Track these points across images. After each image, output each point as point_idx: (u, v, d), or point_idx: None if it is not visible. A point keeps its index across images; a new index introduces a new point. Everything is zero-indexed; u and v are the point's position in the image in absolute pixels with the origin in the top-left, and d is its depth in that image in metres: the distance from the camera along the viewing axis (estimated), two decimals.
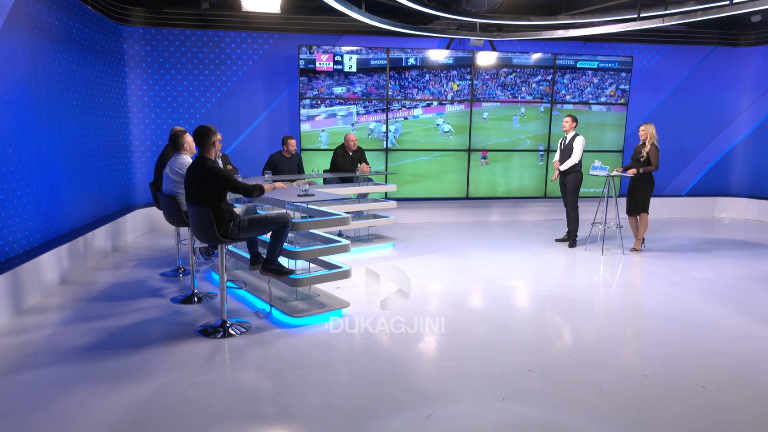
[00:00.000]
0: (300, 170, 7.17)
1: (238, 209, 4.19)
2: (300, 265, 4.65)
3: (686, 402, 3.03)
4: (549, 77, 8.66)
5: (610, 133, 9.02)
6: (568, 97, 8.80)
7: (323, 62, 7.95)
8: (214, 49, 8.07)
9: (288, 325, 4.14)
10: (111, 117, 7.21)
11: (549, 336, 4.05)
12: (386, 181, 7.54)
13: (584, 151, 6.78)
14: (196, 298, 4.72)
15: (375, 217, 6.94)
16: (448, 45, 8.58)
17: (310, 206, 4.72)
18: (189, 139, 4.78)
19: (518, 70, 8.57)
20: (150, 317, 4.33)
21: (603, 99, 8.86)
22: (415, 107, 8.41)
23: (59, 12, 5.71)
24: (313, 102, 8.05)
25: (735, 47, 9.48)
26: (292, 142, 6.97)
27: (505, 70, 8.52)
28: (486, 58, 8.39)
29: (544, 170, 8.94)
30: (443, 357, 3.67)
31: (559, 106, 8.79)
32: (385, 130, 8.36)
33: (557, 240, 7.31)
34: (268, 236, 4.22)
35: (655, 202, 9.28)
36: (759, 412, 2.94)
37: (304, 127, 8.13)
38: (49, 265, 4.92)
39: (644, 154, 6.38)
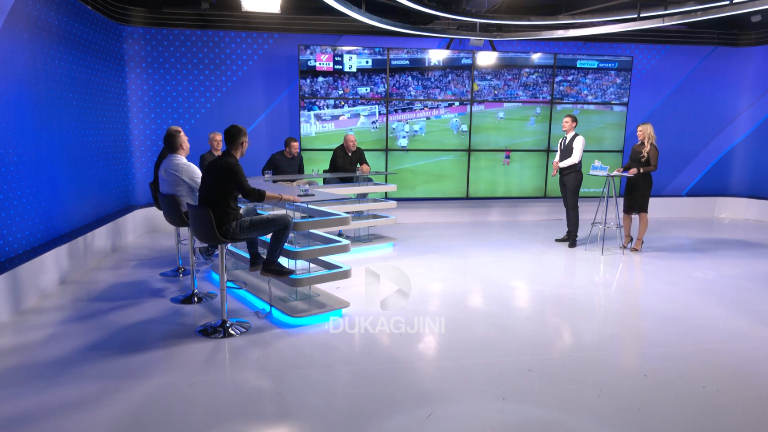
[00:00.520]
0: (301, 171, 7.17)
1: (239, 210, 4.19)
2: (300, 265, 4.65)
3: (686, 402, 3.03)
4: (570, 77, 8.69)
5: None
6: (590, 98, 8.84)
7: (338, 62, 7.98)
8: (214, 49, 8.07)
9: (288, 325, 4.14)
10: (111, 117, 7.21)
11: (549, 336, 4.05)
12: (386, 181, 7.54)
13: (584, 151, 6.78)
14: (196, 298, 4.72)
15: (375, 217, 6.94)
16: (448, 45, 8.58)
17: (310, 206, 4.72)
18: (184, 139, 4.76)
19: (540, 69, 8.60)
20: (150, 317, 4.33)
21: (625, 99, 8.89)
22: (437, 107, 8.43)
23: (59, 12, 5.71)
24: (335, 103, 8.05)
25: (735, 47, 9.48)
26: (295, 144, 6.97)
27: (527, 70, 8.55)
28: (487, 58, 8.39)
29: (544, 170, 8.94)
30: (443, 357, 3.67)
31: (580, 106, 8.84)
32: (407, 129, 8.42)
33: (557, 240, 7.31)
34: (267, 237, 4.22)
35: (655, 202, 9.31)
36: (759, 412, 2.94)
37: (329, 126, 8.17)
38: (49, 265, 4.92)
39: (644, 154, 6.38)
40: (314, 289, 4.64)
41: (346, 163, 7.13)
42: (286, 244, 4.15)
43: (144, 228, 7.75)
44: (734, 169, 9.88)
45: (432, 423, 2.79)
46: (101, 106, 6.86)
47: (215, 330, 3.97)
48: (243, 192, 3.88)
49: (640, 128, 6.49)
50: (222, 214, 3.80)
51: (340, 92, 8.12)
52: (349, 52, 8.05)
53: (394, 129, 8.39)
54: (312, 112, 8.13)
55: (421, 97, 8.36)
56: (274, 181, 6.04)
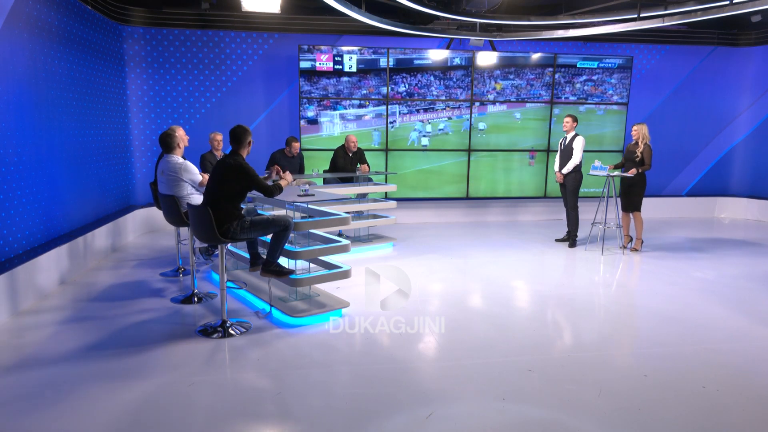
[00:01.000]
0: (302, 170, 7.17)
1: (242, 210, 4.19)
2: (300, 265, 4.65)
3: (686, 402, 3.03)
4: (595, 77, 8.71)
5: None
6: (615, 98, 8.86)
7: (338, 62, 8.00)
8: (214, 49, 8.07)
9: (288, 325, 4.14)
10: (111, 117, 7.21)
11: (549, 336, 4.05)
12: (386, 181, 7.55)
13: (584, 151, 6.79)
14: (196, 298, 4.72)
15: (375, 217, 6.94)
16: (448, 45, 8.58)
17: (310, 206, 4.72)
18: (181, 135, 4.73)
19: (562, 69, 8.63)
20: (150, 317, 4.33)
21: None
22: (458, 107, 8.46)
23: (59, 12, 5.71)
24: (360, 103, 8.06)
25: (735, 47, 9.48)
26: (296, 145, 6.98)
27: (550, 69, 8.58)
28: (487, 58, 8.39)
29: (544, 170, 8.94)
30: (443, 357, 3.67)
31: (604, 107, 8.86)
32: (426, 129, 8.45)
33: (557, 240, 7.31)
34: (267, 237, 4.22)
35: (655, 202, 9.33)
36: (759, 412, 2.94)
37: (351, 126, 8.22)
38: (49, 265, 4.92)
39: (639, 153, 6.42)
40: (314, 289, 4.64)
41: (346, 163, 7.13)
42: (286, 244, 4.15)
43: (144, 228, 7.75)
44: (734, 169, 9.88)
45: (432, 423, 2.79)
46: (101, 106, 6.86)
47: (215, 330, 3.97)
48: (261, 189, 3.90)
49: (635, 128, 6.53)
50: (224, 213, 3.81)
51: (364, 92, 8.17)
52: (375, 53, 8.09)
53: (415, 129, 8.42)
54: (337, 112, 8.18)
55: (443, 97, 8.38)
56: (274, 181, 6.03)
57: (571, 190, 6.88)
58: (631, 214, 6.75)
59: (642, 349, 3.86)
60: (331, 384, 3.24)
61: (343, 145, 7.20)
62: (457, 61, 8.35)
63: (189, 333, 3.99)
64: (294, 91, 8.31)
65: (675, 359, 3.60)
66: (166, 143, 4.73)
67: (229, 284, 4.43)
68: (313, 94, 8.04)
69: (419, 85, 8.30)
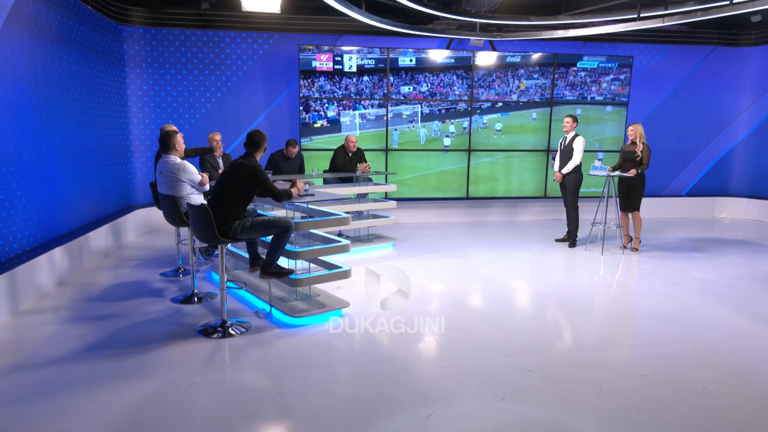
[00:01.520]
0: (301, 170, 7.17)
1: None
2: (300, 265, 4.65)
3: (686, 402, 3.03)
4: (622, 76, 8.74)
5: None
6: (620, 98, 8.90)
7: (338, 62, 8.00)
8: (214, 49, 8.07)
9: (288, 325, 4.14)
10: (111, 117, 7.21)
11: (549, 336, 4.05)
12: (386, 181, 7.55)
13: (584, 151, 6.79)
14: (196, 298, 4.72)
15: (375, 217, 6.94)
16: (448, 45, 8.58)
17: (310, 206, 4.72)
18: (179, 140, 4.71)
19: (589, 68, 8.65)
20: (150, 317, 4.33)
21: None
22: (479, 108, 8.50)
23: (59, 12, 5.71)
24: (380, 102, 8.07)
25: (735, 47, 9.48)
26: (294, 150, 6.97)
27: (574, 69, 8.61)
28: (486, 58, 8.39)
29: (544, 170, 8.94)
30: (443, 357, 3.67)
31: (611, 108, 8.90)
32: (450, 129, 8.50)
33: (557, 240, 7.31)
34: (267, 237, 4.22)
35: (655, 202, 9.33)
36: (759, 412, 2.94)
37: (372, 126, 8.26)
38: (49, 265, 4.92)
39: (639, 153, 6.43)
40: (314, 289, 4.64)
41: (346, 163, 7.14)
42: (286, 244, 4.14)
43: (144, 228, 7.75)
44: (734, 169, 9.88)
45: (432, 423, 2.79)
46: (101, 106, 6.86)
47: (215, 330, 3.97)
48: (271, 192, 3.94)
49: (631, 128, 6.55)
50: (226, 213, 3.82)
51: (385, 91, 8.20)
52: (416, 52, 8.13)
53: (436, 131, 8.46)
54: (357, 112, 8.21)
55: (465, 97, 8.39)
56: (274, 181, 6.03)
57: (571, 190, 6.88)
58: (630, 214, 6.76)
59: (642, 349, 3.86)
60: (331, 384, 3.24)
61: (343, 145, 7.20)
62: (478, 60, 8.36)
63: (189, 333, 3.99)
64: (294, 91, 8.31)
65: (675, 359, 3.60)
66: (164, 142, 4.72)
67: (229, 284, 4.43)
68: (336, 94, 8.08)
69: (441, 85, 8.31)
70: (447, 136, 8.54)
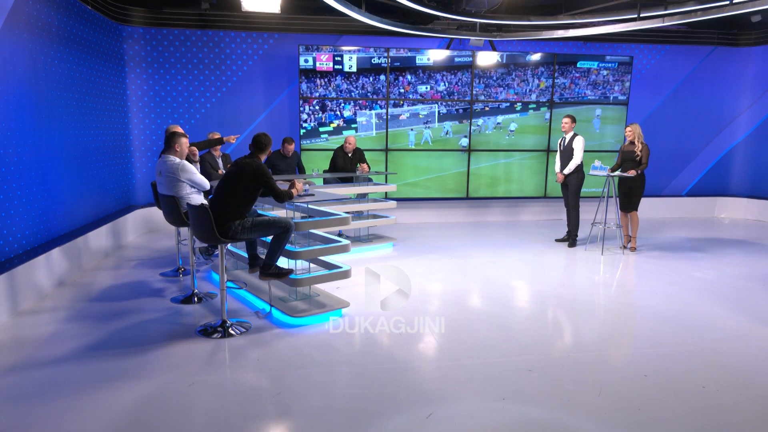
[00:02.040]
0: (300, 169, 7.17)
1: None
2: (300, 265, 4.65)
3: (686, 402, 3.03)
4: (611, 78, 8.79)
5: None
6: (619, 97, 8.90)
7: (336, 62, 7.99)
8: (214, 49, 8.07)
9: (288, 325, 4.13)
10: (111, 117, 7.21)
11: (549, 336, 4.05)
12: (386, 181, 7.54)
13: (584, 150, 6.80)
14: (196, 298, 4.72)
15: (375, 217, 6.94)
16: (448, 45, 8.58)
17: (310, 206, 4.72)
18: (183, 143, 4.70)
19: (612, 65, 8.69)
20: (150, 317, 4.33)
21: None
22: (486, 108, 8.51)
23: (59, 12, 5.71)
24: (394, 102, 8.07)
25: (735, 47, 9.48)
26: (290, 147, 6.96)
27: (596, 67, 8.63)
28: (487, 58, 8.39)
29: (544, 170, 8.94)
30: (443, 357, 3.67)
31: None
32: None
33: (557, 240, 7.31)
34: (267, 237, 4.22)
35: (655, 202, 9.33)
36: (759, 412, 2.94)
37: (391, 125, 8.29)
38: (49, 265, 4.92)
39: (638, 153, 6.43)
40: (314, 289, 4.64)
41: (346, 164, 7.14)
42: (286, 244, 4.14)
43: (144, 228, 7.75)
44: (734, 169, 9.88)
45: (432, 423, 2.79)
46: (101, 106, 6.86)
47: (215, 330, 3.97)
48: (274, 193, 3.94)
49: (629, 129, 6.56)
50: (228, 212, 3.81)
51: (401, 90, 8.22)
52: (411, 50, 8.14)
53: (448, 130, 8.48)
54: (373, 111, 8.23)
55: (482, 97, 8.41)
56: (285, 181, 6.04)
57: (573, 190, 6.89)
58: (628, 214, 6.76)
59: (642, 349, 3.86)
60: (331, 384, 3.24)
61: (342, 146, 7.21)
62: (497, 58, 8.39)
63: (189, 333, 3.98)
64: (294, 91, 8.31)
65: (675, 359, 3.60)
66: (167, 141, 4.72)
67: (229, 284, 4.43)
68: (353, 94, 8.11)
69: (459, 84, 8.32)
70: (465, 137, 8.56)
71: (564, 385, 3.20)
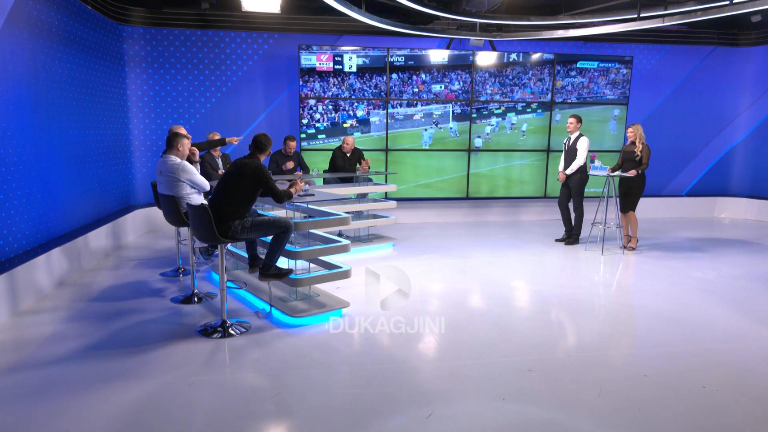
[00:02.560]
0: (302, 167, 7.18)
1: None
2: (300, 265, 4.65)
3: (686, 402, 3.03)
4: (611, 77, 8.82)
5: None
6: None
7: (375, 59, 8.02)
8: (214, 49, 8.07)
9: (288, 325, 4.14)
10: (111, 117, 7.21)
11: (549, 336, 4.05)
12: (386, 181, 7.54)
13: (589, 151, 6.81)
14: (196, 298, 4.72)
15: (375, 217, 6.94)
16: (448, 45, 8.58)
17: (310, 206, 4.72)
18: (185, 143, 4.70)
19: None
20: (150, 317, 4.33)
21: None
22: (496, 108, 8.54)
23: (59, 12, 5.71)
24: (408, 102, 8.07)
25: (735, 47, 9.48)
26: (292, 144, 6.98)
27: (616, 66, 8.66)
28: (487, 58, 8.39)
29: (544, 170, 8.94)
30: (443, 357, 3.67)
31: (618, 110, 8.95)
32: (486, 130, 8.55)
33: (557, 240, 7.31)
34: (267, 237, 4.22)
35: (655, 202, 9.34)
36: (759, 412, 2.94)
37: (400, 125, 8.31)
38: (49, 265, 4.92)
39: (638, 153, 6.43)
40: (314, 289, 4.64)
41: (345, 164, 7.15)
42: (286, 244, 4.14)
43: (144, 228, 7.75)
44: (734, 169, 9.88)
45: (432, 423, 2.79)
46: (101, 106, 6.86)
47: (215, 330, 3.97)
48: (274, 193, 3.94)
49: (631, 129, 6.56)
50: (228, 212, 3.81)
51: (416, 89, 8.23)
52: (423, 50, 8.17)
53: (454, 131, 8.50)
54: (386, 111, 8.24)
55: (498, 97, 8.43)
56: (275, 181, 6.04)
57: (575, 191, 6.89)
58: (626, 214, 6.77)
59: (642, 349, 3.86)
60: (331, 384, 3.24)
61: (341, 146, 7.22)
62: (513, 57, 8.41)
63: (189, 333, 3.98)
64: (294, 91, 8.31)
65: (675, 359, 3.60)
66: (168, 140, 4.72)
67: (229, 284, 4.43)
68: (365, 93, 8.13)
69: (475, 83, 8.34)
70: (479, 137, 8.57)
71: (564, 385, 3.20)
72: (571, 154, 6.85)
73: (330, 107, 8.04)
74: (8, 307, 4.23)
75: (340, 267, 4.43)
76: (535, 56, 8.49)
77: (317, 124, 8.09)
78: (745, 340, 3.96)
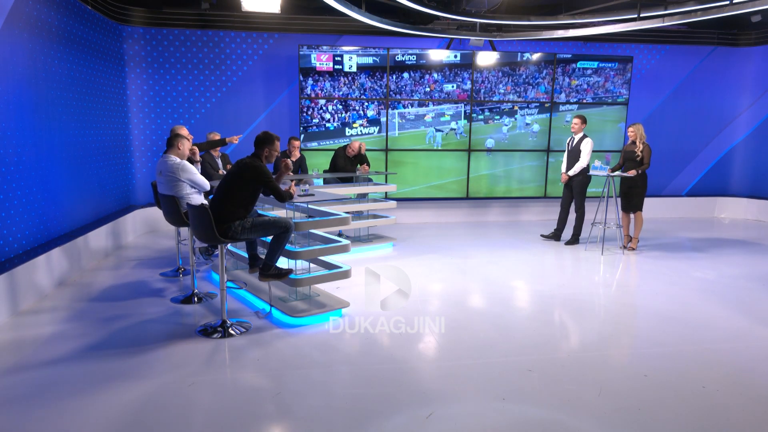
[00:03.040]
0: (304, 170, 7.18)
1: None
2: (300, 265, 4.65)
3: (686, 402, 3.03)
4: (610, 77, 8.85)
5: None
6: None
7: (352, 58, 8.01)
8: (214, 49, 8.06)
9: (288, 325, 4.14)
10: (111, 117, 7.21)
11: (549, 336, 4.05)
12: (386, 181, 7.54)
13: (593, 151, 6.83)
14: (196, 298, 4.72)
15: (375, 217, 6.94)
16: (448, 45, 8.58)
17: (310, 206, 4.72)
18: (185, 144, 4.71)
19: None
20: (150, 317, 4.33)
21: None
22: (500, 108, 8.56)
23: (59, 12, 5.71)
24: (418, 103, 8.07)
25: (735, 47, 9.48)
26: (296, 143, 6.98)
27: (629, 65, 8.73)
28: (487, 58, 8.39)
29: (544, 170, 8.94)
30: (443, 357, 3.67)
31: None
32: (503, 130, 8.57)
33: (543, 236, 7.40)
34: (267, 238, 4.22)
35: (655, 202, 9.33)
36: (759, 412, 2.94)
37: (411, 125, 8.34)
38: (49, 265, 4.92)
39: (639, 153, 6.43)
40: (314, 289, 4.64)
41: (346, 164, 7.15)
42: (286, 244, 4.14)
43: (144, 228, 7.75)
44: (734, 169, 9.88)
45: (432, 423, 2.79)
46: (101, 106, 6.86)
47: (215, 330, 3.97)
48: (275, 192, 3.94)
49: (631, 129, 6.56)
50: (228, 212, 3.81)
51: (427, 89, 8.25)
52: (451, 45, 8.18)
53: (461, 132, 8.51)
54: (396, 111, 8.24)
55: (511, 96, 8.46)
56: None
57: (578, 191, 6.89)
58: (632, 214, 6.76)
59: (642, 349, 3.86)
60: (331, 384, 3.24)
61: (344, 147, 7.22)
62: (526, 55, 8.43)
63: (189, 333, 3.98)
64: (294, 91, 8.31)
65: (675, 359, 3.60)
66: (169, 140, 4.73)
67: (229, 284, 4.43)
68: (376, 92, 8.14)
69: (486, 82, 8.36)
70: (491, 137, 8.57)
71: (564, 385, 3.20)
72: (574, 154, 6.84)
73: (340, 107, 8.04)
74: (8, 307, 4.23)
75: (340, 267, 4.43)
76: (536, 56, 8.49)
77: (327, 124, 8.09)
78: (745, 340, 3.96)
